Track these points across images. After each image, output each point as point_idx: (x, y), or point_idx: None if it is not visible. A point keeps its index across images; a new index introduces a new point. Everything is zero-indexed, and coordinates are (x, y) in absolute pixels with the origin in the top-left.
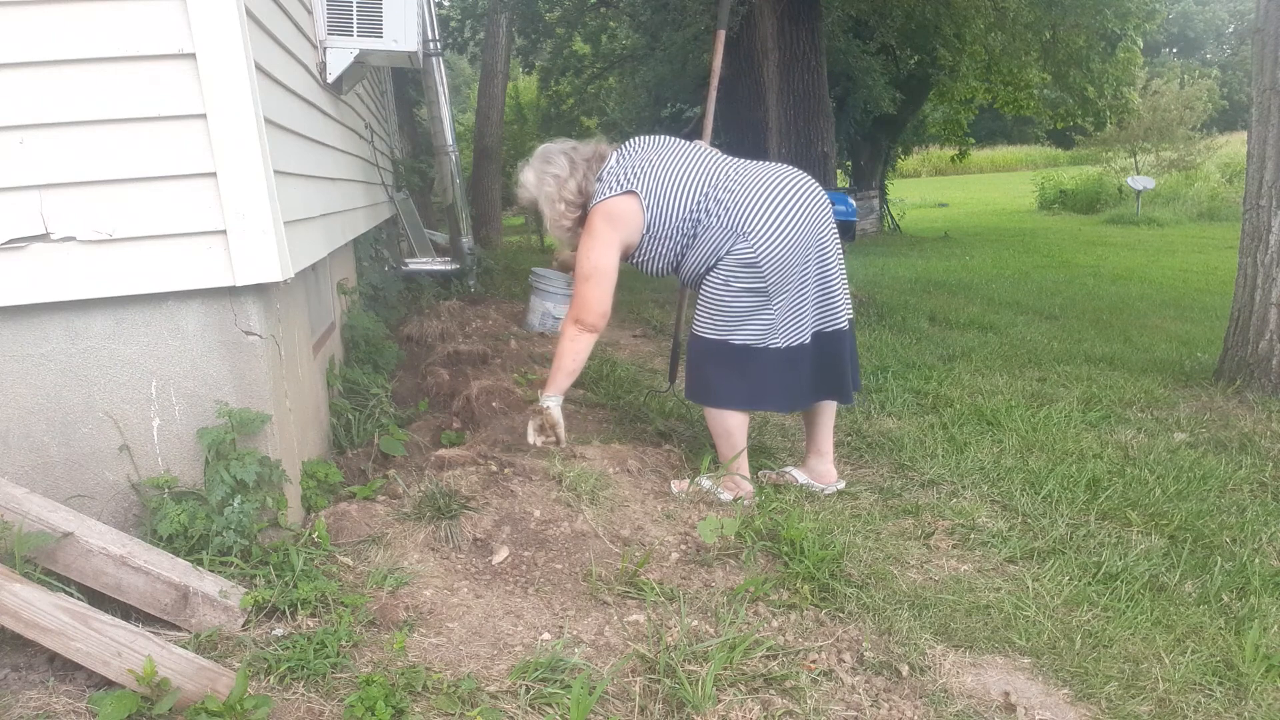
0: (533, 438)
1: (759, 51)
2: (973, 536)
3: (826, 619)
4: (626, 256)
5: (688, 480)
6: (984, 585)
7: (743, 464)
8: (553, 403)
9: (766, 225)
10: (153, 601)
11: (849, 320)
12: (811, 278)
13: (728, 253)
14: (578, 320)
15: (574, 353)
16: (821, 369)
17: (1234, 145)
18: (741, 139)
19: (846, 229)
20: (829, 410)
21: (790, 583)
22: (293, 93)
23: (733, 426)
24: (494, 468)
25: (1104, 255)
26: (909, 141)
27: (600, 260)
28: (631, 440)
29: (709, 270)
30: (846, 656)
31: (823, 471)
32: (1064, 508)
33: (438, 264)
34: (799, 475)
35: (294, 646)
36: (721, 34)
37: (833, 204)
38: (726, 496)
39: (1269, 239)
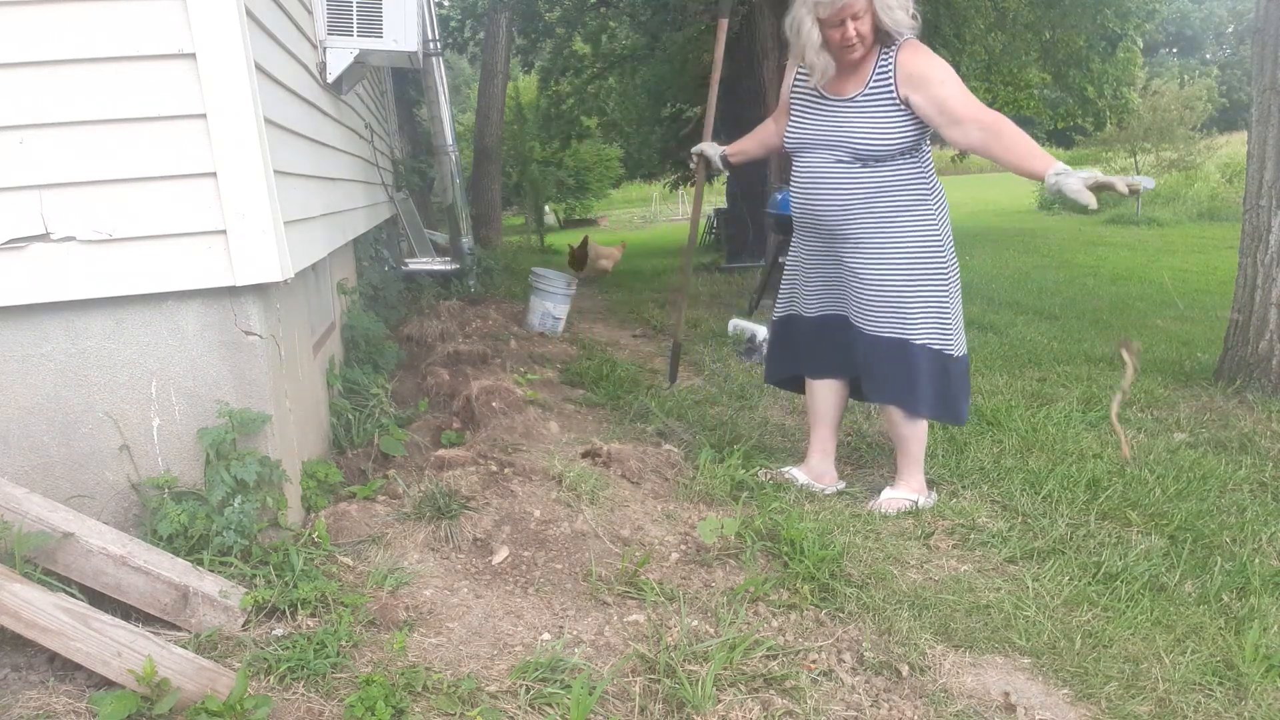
0: (1124, 185)
1: (759, 51)
2: (973, 536)
3: (826, 619)
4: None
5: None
6: (984, 585)
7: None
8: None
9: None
10: (153, 601)
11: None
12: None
13: (919, 226)
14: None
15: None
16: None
17: (1234, 145)
18: (741, 138)
19: None
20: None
21: (790, 583)
22: (293, 93)
23: (924, 433)
24: (494, 468)
25: (1104, 255)
26: None
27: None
28: (631, 440)
29: (889, 227)
30: (846, 656)
31: (823, 471)
32: (1064, 508)
33: (438, 264)
34: (799, 475)
35: (294, 646)
36: (724, 23)
37: None
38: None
39: (1269, 239)
